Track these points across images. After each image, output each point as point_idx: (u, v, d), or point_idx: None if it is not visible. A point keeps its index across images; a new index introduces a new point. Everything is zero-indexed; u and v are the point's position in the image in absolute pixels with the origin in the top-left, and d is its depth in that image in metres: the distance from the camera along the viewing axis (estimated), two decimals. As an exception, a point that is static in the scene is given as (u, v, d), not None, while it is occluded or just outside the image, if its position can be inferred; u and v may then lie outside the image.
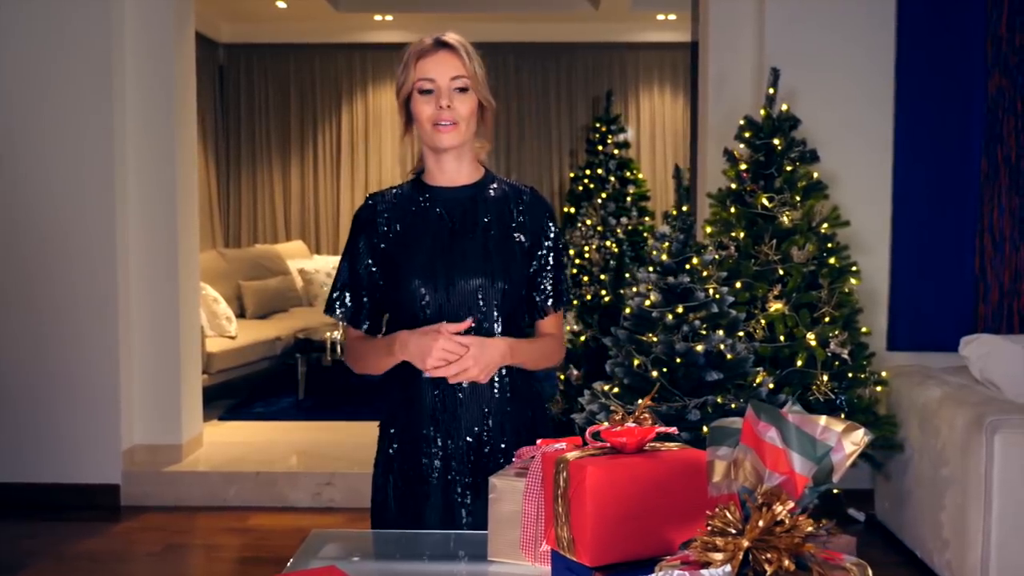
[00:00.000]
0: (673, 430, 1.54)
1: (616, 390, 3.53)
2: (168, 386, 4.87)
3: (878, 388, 3.95)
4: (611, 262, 5.86)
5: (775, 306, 3.81)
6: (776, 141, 3.93)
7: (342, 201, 9.47)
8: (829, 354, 3.77)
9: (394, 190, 2.05)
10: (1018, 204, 4.37)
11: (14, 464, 4.67)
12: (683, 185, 3.48)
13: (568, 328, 5.30)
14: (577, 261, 8.39)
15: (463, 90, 1.93)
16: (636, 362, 3.48)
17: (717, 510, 1.20)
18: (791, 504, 1.18)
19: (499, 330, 1.96)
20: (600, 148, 8.87)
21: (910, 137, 4.43)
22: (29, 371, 4.67)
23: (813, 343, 3.75)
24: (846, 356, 3.77)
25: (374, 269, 2.01)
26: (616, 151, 8.86)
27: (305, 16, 8.70)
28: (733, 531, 1.18)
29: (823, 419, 1.23)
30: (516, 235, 2.00)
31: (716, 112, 4.68)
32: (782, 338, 3.79)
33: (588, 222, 8.44)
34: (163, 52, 4.80)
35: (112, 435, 4.70)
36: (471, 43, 1.98)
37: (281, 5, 8.29)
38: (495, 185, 2.04)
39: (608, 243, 8.06)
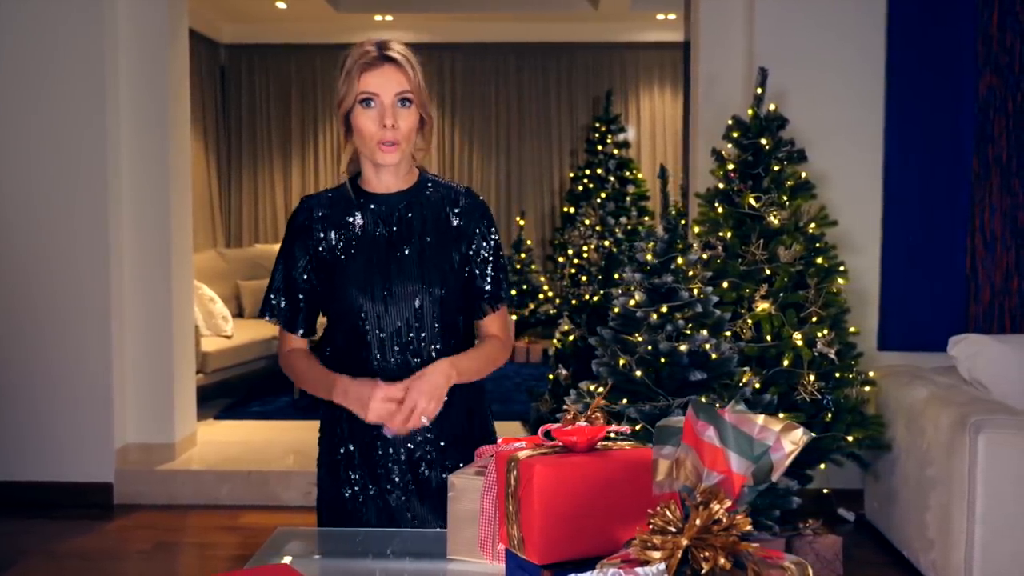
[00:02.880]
0: (625, 429, 1.55)
1: (601, 390, 3.53)
2: (161, 385, 4.89)
3: (866, 388, 3.95)
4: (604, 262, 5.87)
5: (762, 306, 3.81)
6: (764, 141, 3.93)
7: (343, 201, 9.48)
8: (816, 354, 3.77)
9: (329, 194, 2.03)
10: (1009, 204, 4.35)
11: (7, 462, 4.70)
12: (667, 185, 3.48)
13: (565, 327, 5.30)
14: (576, 261, 8.41)
15: (406, 102, 1.90)
16: (621, 362, 3.48)
17: (658, 509, 1.20)
18: (728, 503, 1.18)
19: (437, 342, 1.94)
20: (600, 148, 8.88)
21: (901, 137, 4.42)
22: (23, 370, 4.70)
23: (799, 343, 3.75)
24: (833, 356, 3.76)
25: (307, 276, 2.00)
26: (616, 151, 8.86)
27: (305, 17, 8.73)
28: (673, 529, 1.19)
29: (761, 418, 1.23)
30: (453, 239, 1.98)
31: (707, 112, 4.67)
32: (769, 338, 3.79)
33: (587, 222, 8.46)
34: (157, 51, 4.82)
35: (105, 434, 4.72)
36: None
37: (281, 6, 8.32)
38: (430, 187, 2.01)
39: (607, 243, 8.07)
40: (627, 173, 8.85)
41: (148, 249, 4.84)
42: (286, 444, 5.38)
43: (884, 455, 3.98)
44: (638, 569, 1.19)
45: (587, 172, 8.87)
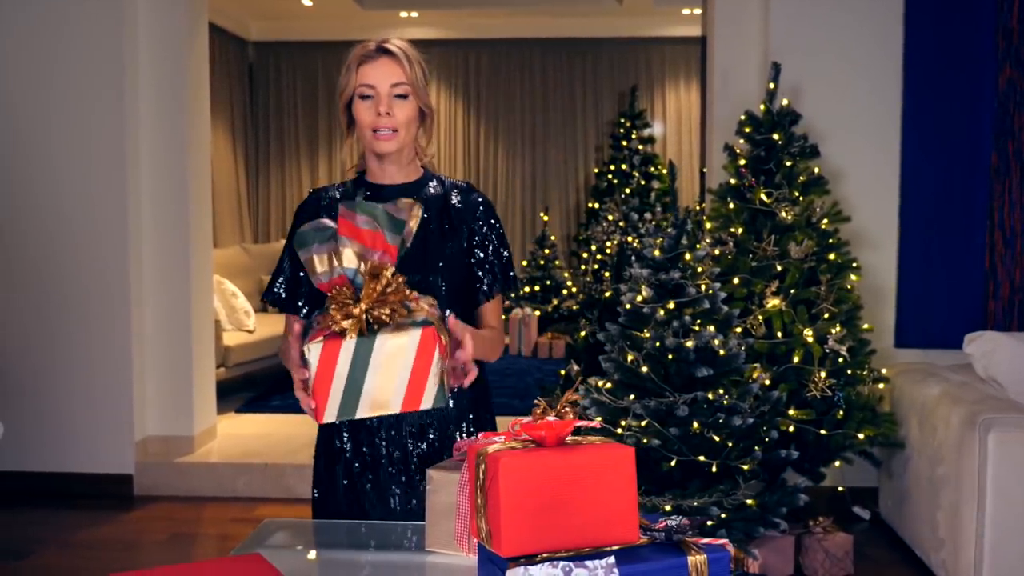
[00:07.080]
0: (596, 423, 1.55)
1: (609, 385, 3.53)
2: (181, 379, 4.95)
3: (879, 385, 3.91)
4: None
5: (773, 302, 3.78)
6: (776, 136, 3.90)
7: (368, 197, 9.54)
8: (827, 351, 3.73)
9: (339, 188, 2.10)
10: (1029, 199, 4.29)
11: (30, 453, 4.78)
12: (675, 181, 3.47)
13: (583, 322, 5.29)
14: (598, 256, 8.40)
15: (403, 96, 1.97)
16: (629, 357, 3.47)
17: (334, 291, 1.58)
18: (392, 269, 1.60)
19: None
20: (625, 143, 8.86)
21: (918, 131, 4.36)
22: (45, 363, 4.78)
23: (810, 339, 3.72)
24: (844, 353, 3.72)
25: None
26: (641, 146, 8.84)
27: (332, 14, 8.78)
28: (351, 302, 1.56)
29: (401, 201, 1.66)
30: (452, 233, 2.02)
31: (722, 106, 4.65)
32: (779, 334, 3.76)
33: (610, 217, 8.43)
34: (176, 43, 4.87)
35: (126, 426, 4.79)
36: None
37: (307, 3, 8.38)
38: (434, 183, 2.08)
39: (629, 238, 8.05)
40: (652, 168, 8.82)
41: (168, 242, 4.90)
42: (304, 438, 5.42)
43: (897, 453, 3.94)
44: (587, 562, 1.21)
45: (612, 168, 8.85)
